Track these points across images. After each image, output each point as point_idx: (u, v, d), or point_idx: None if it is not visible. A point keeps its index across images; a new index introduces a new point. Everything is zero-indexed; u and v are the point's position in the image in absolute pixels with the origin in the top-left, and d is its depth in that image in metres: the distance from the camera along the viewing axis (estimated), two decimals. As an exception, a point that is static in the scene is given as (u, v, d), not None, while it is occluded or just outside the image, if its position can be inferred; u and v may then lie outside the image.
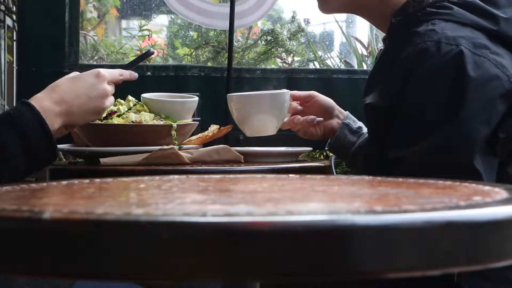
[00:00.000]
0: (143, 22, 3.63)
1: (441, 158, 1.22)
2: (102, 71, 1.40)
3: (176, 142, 1.54)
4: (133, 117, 1.56)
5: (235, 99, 1.60)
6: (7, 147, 1.23)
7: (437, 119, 1.23)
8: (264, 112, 1.56)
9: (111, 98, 1.42)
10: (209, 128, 1.69)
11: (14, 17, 3.26)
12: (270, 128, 1.58)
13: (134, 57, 3.25)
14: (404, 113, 1.27)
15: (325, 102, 1.63)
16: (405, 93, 1.26)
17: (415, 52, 1.26)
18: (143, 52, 1.79)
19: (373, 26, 1.71)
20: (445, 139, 1.22)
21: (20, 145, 1.24)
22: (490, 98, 1.23)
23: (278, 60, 3.35)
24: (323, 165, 1.63)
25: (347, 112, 1.66)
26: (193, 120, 1.66)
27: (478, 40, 1.27)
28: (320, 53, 3.52)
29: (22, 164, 1.25)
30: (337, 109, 1.65)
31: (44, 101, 1.30)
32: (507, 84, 1.24)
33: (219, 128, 1.68)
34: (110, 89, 1.40)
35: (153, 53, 1.73)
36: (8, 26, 3.53)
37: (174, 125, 1.54)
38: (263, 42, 3.23)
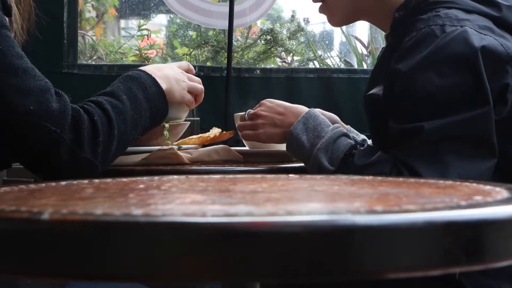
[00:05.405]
0: (142, 21, 3.62)
1: (463, 132, 1.22)
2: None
3: (169, 142, 1.53)
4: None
5: (241, 117, 1.59)
6: (139, 99, 1.34)
7: (453, 98, 1.22)
8: None
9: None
10: (210, 130, 1.68)
11: (14, 17, 3.25)
12: (278, 144, 1.56)
13: (133, 57, 3.22)
14: (409, 91, 1.25)
15: (328, 117, 1.62)
16: (411, 74, 1.25)
17: (419, 36, 1.27)
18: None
19: (373, 25, 1.71)
20: (469, 116, 1.21)
21: (145, 98, 1.36)
22: (497, 68, 1.24)
23: (278, 59, 3.34)
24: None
25: (349, 126, 1.66)
26: (193, 120, 1.66)
27: (483, 23, 1.28)
28: (320, 52, 3.52)
29: (147, 118, 1.36)
30: (341, 124, 1.64)
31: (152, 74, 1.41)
32: (508, 67, 1.25)
33: (221, 132, 1.67)
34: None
35: None
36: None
37: (167, 125, 1.53)
38: (262, 41, 3.23)
